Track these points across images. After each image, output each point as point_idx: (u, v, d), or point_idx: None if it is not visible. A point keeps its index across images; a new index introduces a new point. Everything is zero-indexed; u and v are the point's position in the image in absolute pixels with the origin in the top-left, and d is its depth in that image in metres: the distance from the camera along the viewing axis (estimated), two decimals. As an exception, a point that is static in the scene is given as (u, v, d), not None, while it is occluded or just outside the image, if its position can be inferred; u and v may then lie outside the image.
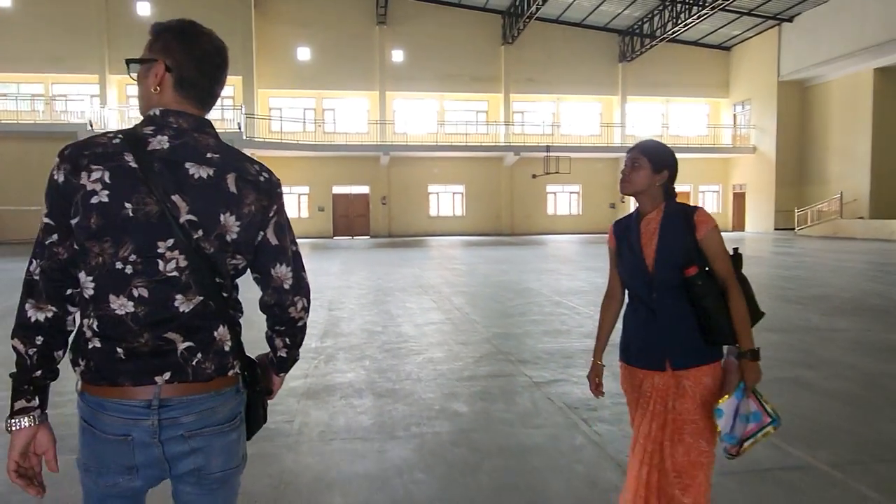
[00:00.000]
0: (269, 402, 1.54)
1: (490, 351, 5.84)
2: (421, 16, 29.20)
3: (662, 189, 2.22)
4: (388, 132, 29.45)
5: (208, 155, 1.31)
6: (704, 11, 24.25)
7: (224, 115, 26.49)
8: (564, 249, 20.32)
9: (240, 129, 25.03)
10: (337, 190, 29.79)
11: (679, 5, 25.49)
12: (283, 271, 1.41)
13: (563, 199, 31.84)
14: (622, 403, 4.31)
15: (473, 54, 29.83)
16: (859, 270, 12.92)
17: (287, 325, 1.46)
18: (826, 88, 26.65)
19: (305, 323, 1.51)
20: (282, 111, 29.31)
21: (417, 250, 20.50)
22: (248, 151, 24.73)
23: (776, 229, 27.89)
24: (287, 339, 1.49)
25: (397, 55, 29.26)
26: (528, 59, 30.02)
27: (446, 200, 30.98)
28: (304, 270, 1.47)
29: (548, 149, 28.58)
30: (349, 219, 30.08)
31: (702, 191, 32.41)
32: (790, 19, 26.38)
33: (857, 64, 24.31)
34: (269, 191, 1.37)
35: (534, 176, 30.20)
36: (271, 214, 1.38)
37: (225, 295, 1.35)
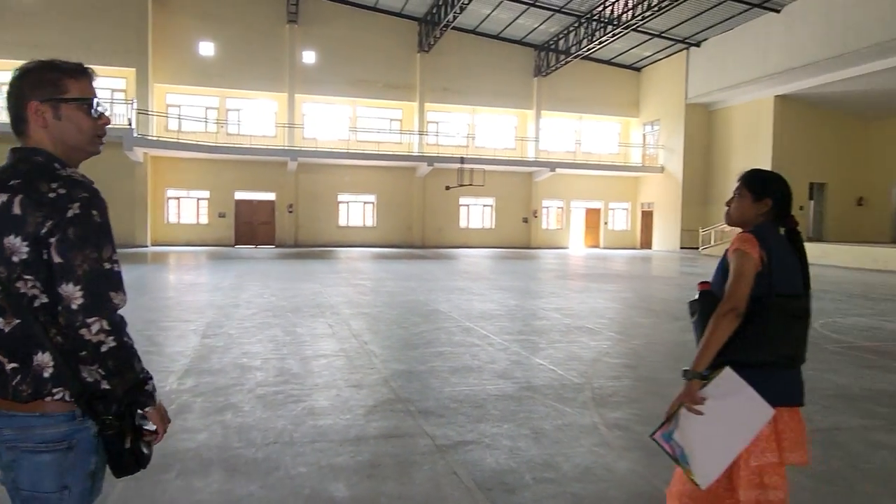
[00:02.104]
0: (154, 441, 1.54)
1: (387, 397, 4.83)
2: (334, 17, 27.97)
3: (769, 218, 2.18)
4: (297, 137, 27.93)
5: (11, 182, 1.41)
6: (618, 31, 24.47)
7: (114, 110, 24.14)
8: (477, 265, 19.64)
9: (130, 125, 22.84)
10: (240, 196, 27.89)
11: (594, 23, 25.64)
12: (69, 290, 1.37)
13: (476, 213, 31.34)
14: (545, 480, 3.44)
15: (388, 61, 28.88)
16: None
17: (86, 349, 1.39)
18: (730, 112, 27.58)
19: (117, 347, 1.41)
20: (180, 109, 27.16)
21: (323, 262, 19.20)
22: (139, 150, 22.65)
23: (682, 248, 28.54)
24: (100, 369, 1.41)
25: (308, 56, 27.85)
26: (444, 68, 29.41)
27: (356, 210, 29.72)
28: (110, 288, 1.41)
29: (462, 160, 28.00)
30: (252, 226, 28.22)
31: (612, 208, 32.86)
32: (698, 44, 27.15)
33: (760, 90, 25.24)
34: (59, 207, 1.38)
35: (447, 187, 29.53)
36: (56, 231, 1.37)
37: (44, 319, 1.39)
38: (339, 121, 29.12)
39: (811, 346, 6.48)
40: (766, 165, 25.05)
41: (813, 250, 22.02)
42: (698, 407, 2.02)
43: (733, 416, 1.99)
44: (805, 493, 3.21)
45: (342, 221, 29.38)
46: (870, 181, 26.63)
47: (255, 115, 28.12)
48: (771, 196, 2.18)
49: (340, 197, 29.20)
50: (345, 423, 4.17)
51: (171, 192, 27.06)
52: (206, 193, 27.38)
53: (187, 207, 27.56)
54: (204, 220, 27.52)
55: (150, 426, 1.54)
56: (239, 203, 27.92)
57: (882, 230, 26.07)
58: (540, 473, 3.40)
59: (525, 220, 31.51)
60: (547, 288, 13.21)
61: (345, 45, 28.09)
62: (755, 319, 2.04)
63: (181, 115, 26.94)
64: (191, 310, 9.16)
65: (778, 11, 22.82)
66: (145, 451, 1.52)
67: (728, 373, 2.02)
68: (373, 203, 29.72)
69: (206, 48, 26.65)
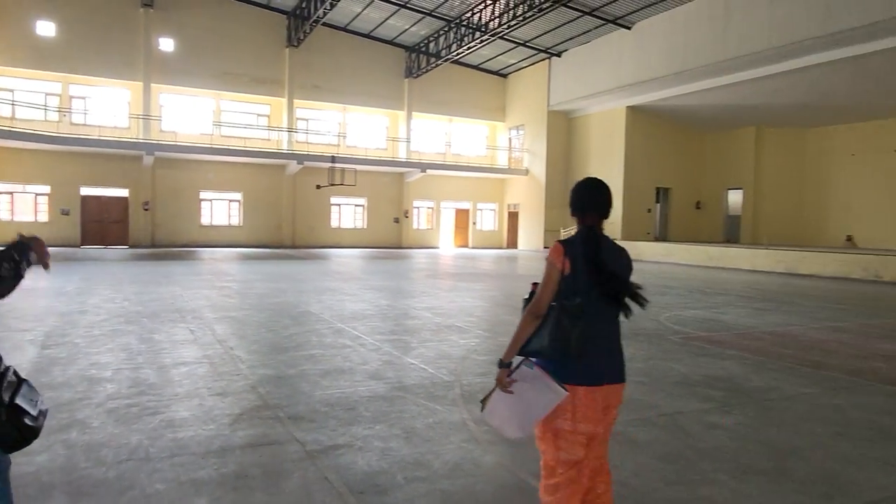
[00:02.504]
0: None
1: (254, 404, 4.65)
2: (195, 4, 26.44)
3: (577, 222, 2.53)
4: (154, 129, 26.11)
5: None
6: (485, 38, 25.27)
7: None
8: (349, 265, 19.44)
9: (-50, 110, 20.21)
10: (87, 191, 25.57)
11: (463, 29, 26.29)
12: None
13: (348, 212, 31.01)
14: (417, 479, 3.49)
15: (255, 54, 27.79)
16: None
17: None
18: (588, 120, 29.40)
19: None
20: (14, 93, 24.43)
21: (183, 264, 18.09)
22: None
23: (545, 247, 30.01)
24: None
25: (166, 44, 26.10)
26: (314, 65, 28.80)
27: (221, 208, 28.29)
28: None
29: (333, 159, 27.59)
30: (102, 225, 25.98)
31: (480, 208, 33.86)
32: (559, 54, 28.68)
33: (614, 101, 27.14)
34: None
35: (318, 186, 28.96)
36: None
37: None
38: (201, 114, 27.59)
39: (658, 338, 7.06)
40: (619, 171, 27.08)
41: (659, 249, 24.07)
42: (510, 388, 2.44)
43: (533, 396, 2.42)
44: (651, 472, 3.51)
45: (205, 220, 27.87)
46: (706, 187, 29.54)
47: (105, 105, 25.91)
48: (570, 206, 2.55)
49: (203, 194, 27.67)
50: (208, 434, 3.96)
51: (2, 187, 24.26)
52: (47, 188, 24.84)
53: (23, 203, 24.83)
54: (43, 217, 24.93)
55: (27, 406, 1.87)
56: (86, 199, 25.59)
57: (716, 231, 29.01)
58: (411, 473, 3.44)
59: (396, 220, 31.64)
60: (418, 287, 13.36)
61: (208, 35, 26.67)
62: (548, 318, 2.39)
63: (14, 100, 24.24)
64: (27, 317, 8.28)
65: (629, 28, 24.66)
66: (29, 423, 1.72)
67: (524, 364, 2.44)
68: (239, 201, 28.46)
69: (45, 28, 24.16)
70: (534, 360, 2.45)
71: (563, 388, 2.37)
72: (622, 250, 2.57)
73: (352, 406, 4.64)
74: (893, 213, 23.66)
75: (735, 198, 28.43)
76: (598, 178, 2.61)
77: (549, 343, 2.37)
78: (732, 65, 21.05)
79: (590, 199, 2.53)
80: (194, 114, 27.43)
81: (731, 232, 28.44)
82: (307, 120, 29.75)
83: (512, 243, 33.14)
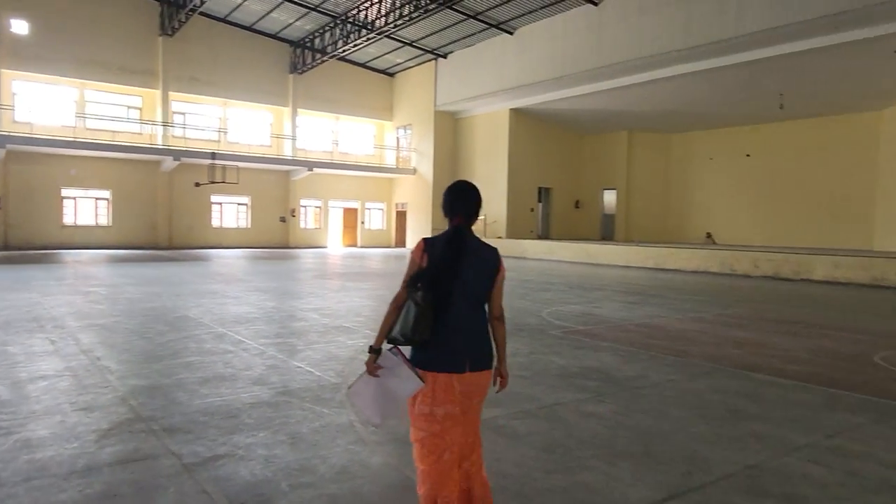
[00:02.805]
0: None
1: (125, 417, 4.36)
2: (54, -15, 24.31)
3: (457, 224, 2.71)
4: (6, 120, 23.73)
5: None
6: (372, 36, 25.15)
7: None
8: (231, 266, 18.67)
9: None
10: (-76, 188, 22.79)
11: (349, 25, 26.00)
12: None
13: (230, 211, 29.74)
14: (302, 485, 3.42)
15: (124, 41, 25.94)
16: (507, 288, 14.30)
17: None
18: (474, 121, 30.06)
19: None
20: None
21: (42, 268, 16.57)
22: None
23: (434, 246, 30.35)
24: None
25: (19, 26, 23.75)
26: (191, 56, 27.36)
27: (87, 207, 26.17)
28: None
29: (213, 155, 26.37)
30: (-56, 226, 23.25)
31: (368, 207, 33.68)
32: (445, 56, 29.09)
33: (498, 103, 27.93)
34: None
35: (197, 184, 27.57)
36: None
37: None
38: (62, 104, 25.39)
39: (539, 333, 7.34)
40: (503, 171, 27.89)
41: (542, 247, 25.05)
42: (377, 372, 2.64)
43: (394, 383, 2.60)
44: (532, 462, 3.66)
45: (68, 220, 25.67)
46: (584, 187, 31.13)
47: (-54, 91, 23.21)
48: (442, 207, 2.76)
49: (65, 192, 25.49)
50: (71, 453, 3.67)
51: None
52: None
53: None
54: None
55: None
56: (-77, 197, 22.80)
57: (594, 229, 30.66)
58: (297, 479, 3.37)
59: (283, 220, 30.77)
60: (305, 288, 13.07)
61: (68, 18, 24.57)
62: (402, 308, 2.61)
63: None
64: None
65: (512, 33, 25.47)
66: None
67: (390, 351, 2.62)
68: (108, 199, 26.47)
69: None
70: (400, 348, 2.63)
71: (419, 377, 2.56)
72: (489, 249, 2.74)
73: (233, 414, 4.47)
74: (746, 212, 26.11)
75: (610, 198, 30.19)
76: (468, 181, 2.81)
77: (399, 331, 2.57)
78: (607, 72, 22.31)
79: (457, 202, 2.72)
80: (54, 104, 25.20)
81: (606, 230, 30.16)
82: (184, 114, 28.22)
83: (401, 242, 33.23)
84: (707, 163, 27.72)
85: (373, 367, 2.63)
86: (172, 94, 27.31)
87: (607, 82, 23.08)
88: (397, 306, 2.62)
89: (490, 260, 2.72)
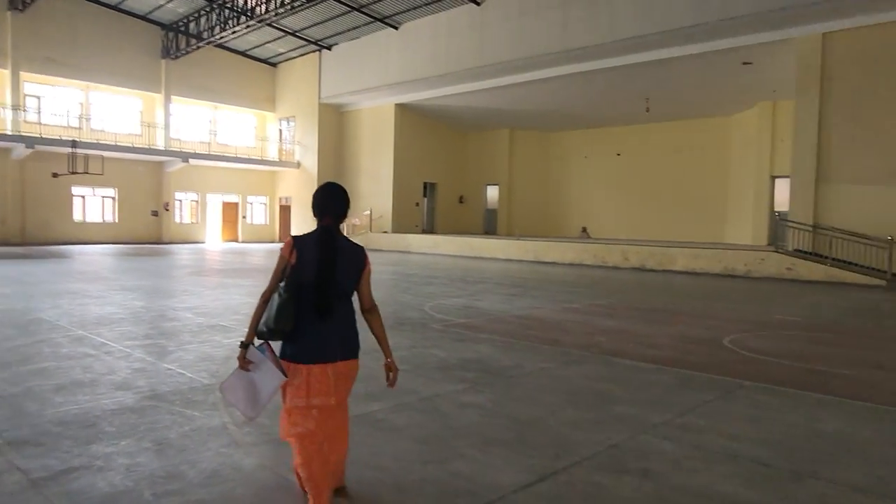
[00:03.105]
0: None
1: (-38, 432, 3.94)
2: None
3: (325, 224, 2.82)
4: None
5: None
6: (252, 23, 24.20)
7: None
8: (95, 263, 17.33)
9: None
10: None
11: (227, 11, 24.86)
12: None
13: (94, 204, 27.58)
14: (168, 493, 3.24)
15: (-35, 14, 23.30)
16: (391, 282, 14.37)
17: None
18: (359, 115, 29.77)
19: None
20: None
21: None
22: None
23: (319, 241, 29.81)
24: None
25: None
26: (46, 34, 25.03)
27: (-80, 199, 23.31)
28: None
29: (74, 144, 24.32)
30: None
31: (250, 202, 32.48)
32: (329, 47, 28.57)
33: (383, 98, 27.84)
34: None
35: (55, 175, 25.31)
36: None
37: None
38: None
39: (421, 327, 7.43)
40: (389, 166, 27.91)
41: (427, 241, 25.32)
42: (248, 367, 2.78)
43: (261, 377, 2.71)
44: (409, 454, 3.71)
45: None
46: (468, 183, 31.78)
47: None
48: (312, 208, 2.88)
49: None
50: None
51: None
52: None
53: None
54: None
55: None
56: None
57: (477, 224, 31.38)
58: (162, 487, 3.21)
59: (155, 214, 28.98)
60: (179, 286, 12.40)
61: None
62: (271, 302, 2.71)
63: None
64: None
65: (396, 28, 25.47)
66: None
67: (258, 347, 2.72)
68: (-55, 190, 23.70)
69: None
70: (270, 344, 2.78)
71: (283, 371, 2.69)
72: (355, 247, 2.89)
73: (92, 422, 4.17)
74: (617, 208, 27.79)
75: (493, 193, 31.04)
76: (337, 183, 2.94)
77: (263, 322, 2.69)
78: (488, 71, 22.89)
79: (327, 203, 2.85)
80: None
81: (489, 224, 31.00)
82: (39, 97, 25.80)
83: (285, 237, 32.14)
84: (583, 161, 29.21)
85: (243, 363, 2.76)
86: (25, 76, 24.91)
87: (489, 81, 23.68)
88: (265, 300, 2.72)
89: (357, 257, 2.87)
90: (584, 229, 28.49)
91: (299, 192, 31.02)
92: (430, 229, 30.38)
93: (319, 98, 29.52)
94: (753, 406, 4.88)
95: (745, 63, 18.98)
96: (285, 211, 32.41)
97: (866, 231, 15.69)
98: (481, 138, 31.29)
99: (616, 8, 19.00)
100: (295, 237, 2.81)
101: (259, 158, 31.69)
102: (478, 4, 22.55)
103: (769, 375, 5.89)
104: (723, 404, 4.92)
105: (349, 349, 2.84)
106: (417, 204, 29.67)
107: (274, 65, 32.02)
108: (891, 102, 15.75)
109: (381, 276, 15.33)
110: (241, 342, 2.76)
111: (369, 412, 4.43)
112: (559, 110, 26.65)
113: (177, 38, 27.86)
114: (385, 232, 27.85)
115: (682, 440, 4.07)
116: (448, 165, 31.00)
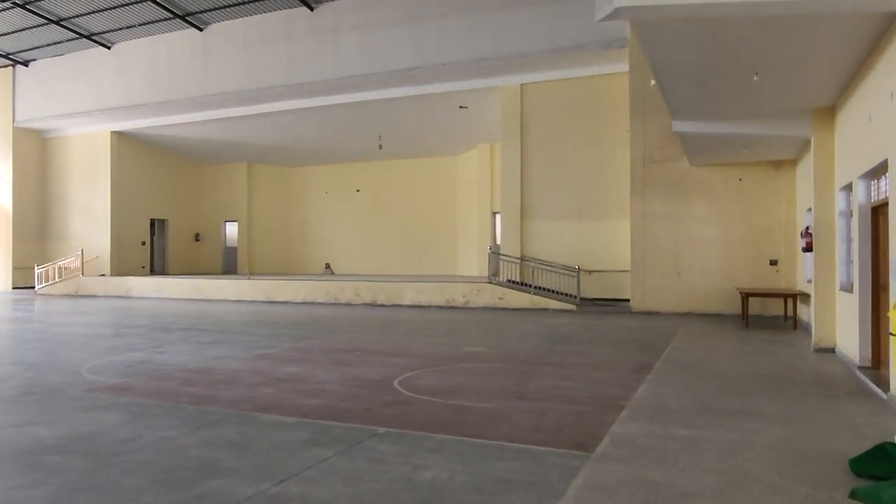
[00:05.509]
0: None
1: None
2: None
3: None
4: None
5: None
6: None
7: None
8: None
9: None
10: None
11: None
12: None
13: None
14: None
15: None
16: (71, 338, 12.32)
17: None
18: (67, 143, 26.07)
19: None
20: None
21: None
22: None
23: (15, 288, 25.27)
24: None
25: None
26: None
27: None
28: None
29: None
30: None
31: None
32: (26, 63, 24.71)
33: (97, 124, 24.73)
34: None
35: None
36: None
37: None
38: None
39: (52, 395, 6.01)
40: (106, 200, 24.92)
41: (149, 284, 22.88)
42: None
43: None
44: None
45: None
46: (204, 219, 29.56)
47: None
48: None
49: None
50: None
51: None
52: None
53: None
54: None
55: None
56: None
57: (215, 263, 29.26)
58: None
59: None
60: None
61: None
62: None
63: None
64: None
65: (109, 48, 22.91)
66: None
67: None
68: None
69: None
70: None
71: None
72: None
73: None
74: (358, 244, 27.88)
75: (232, 230, 29.25)
76: None
77: None
78: (214, 101, 21.59)
79: None
80: None
81: (229, 263, 29.09)
82: None
83: (-29, 285, 26.81)
84: (323, 196, 28.90)
85: None
86: None
87: (217, 111, 22.37)
88: None
89: None
90: (328, 265, 28.12)
91: (-9, 230, 26.08)
92: (161, 270, 27.54)
93: (14, 121, 25.27)
94: (368, 460, 4.62)
95: (461, 107, 20.36)
96: (-28, 253, 26.97)
97: (562, 261, 17.55)
98: (218, 172, 29.40)
99: (340, 45, 19.17)
100: None
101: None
102: (200, 30, 21.23)
103: (410, 419, 5.79)
104: (337, 461, 4.58)
105: None
106: (144, 243, 26.75)
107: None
108: (575, 147, 17.97)
109: (62, 331, 13.14)
110: None
111: None
112: (296, 145, 26.11)
113: None
114: (103, 275, 24.54)
115: (253, 519, 3.57)
116: (181, 200, 28.53)
